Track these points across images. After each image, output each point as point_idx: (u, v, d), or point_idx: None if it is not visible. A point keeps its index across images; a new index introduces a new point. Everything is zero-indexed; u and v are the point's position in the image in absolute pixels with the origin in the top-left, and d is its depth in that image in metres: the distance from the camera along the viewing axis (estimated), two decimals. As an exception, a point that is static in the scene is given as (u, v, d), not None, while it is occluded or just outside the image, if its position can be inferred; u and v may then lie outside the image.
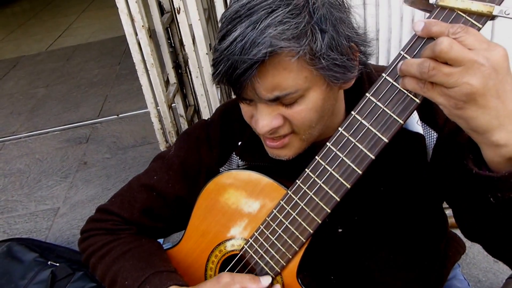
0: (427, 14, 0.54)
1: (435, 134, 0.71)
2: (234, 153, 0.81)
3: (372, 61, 0.72)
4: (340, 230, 0.76)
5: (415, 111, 0.71)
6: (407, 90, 0.55)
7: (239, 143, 0.80)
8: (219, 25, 0.64)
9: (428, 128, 0.72)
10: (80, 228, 0.87)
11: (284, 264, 0.69)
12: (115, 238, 0.81)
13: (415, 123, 0.71)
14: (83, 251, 0.84)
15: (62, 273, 1.57)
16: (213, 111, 0.87)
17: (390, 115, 0.57)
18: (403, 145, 0.69)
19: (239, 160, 0.80)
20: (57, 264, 1.61)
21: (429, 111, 0.71)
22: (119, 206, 0.84)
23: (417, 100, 0.55)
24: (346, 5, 0.64)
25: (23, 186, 2.47)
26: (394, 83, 0.56)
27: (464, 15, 0.51)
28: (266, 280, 0.70)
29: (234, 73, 0.59)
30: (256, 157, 0.77)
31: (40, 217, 2.18)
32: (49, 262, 1.63)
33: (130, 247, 0.79)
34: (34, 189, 2.43)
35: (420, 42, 0.53)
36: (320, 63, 0.60)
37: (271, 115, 0.64)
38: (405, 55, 0.55)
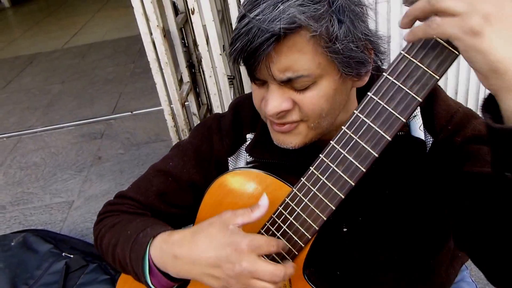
0: None
1: (431, 139, 0.72)
2: (243, 149, 0.82)
3: (384, 65, 0.73)
4: (345, 230, 0.76)
5: (420, 117, 0.73)
6: (408, 88, 0.56)
7: (248, 135, 0.82)
8: (240, 8, 0.65)
9: (427, 133, 0.72)
10: (94, 221, 0.89)
11: (291, 260, 0.70)
12: (128, 215, 0.82)
13: (418, 129, 0.72)
14: (96, 230, 0.84)
15: (76, 265, 1.61)
16: (228, 105, 0.90)
17: (392, 113, 0.58)
18: (407, 149, 0.70)
19: (248, 156, 0.82)
20: (71, 256, 1.65)
21: (430, 118, 0.72)
22: (136, 191, 0.85)
23: (418, 98, 0.56)
24: (363, 3, 0.65)
25: (38, 179, 2.53)
26: (395, 81, 0.57)
27: None
28: (263, 199, 0.65)
29: (250, 46, 0.60)
30: (265, 154, 0.78)
31: (55, 210, 2.24)
32: (63, 253, 1.67)
33: (140, 217, 0.80)
34: (49, 182, 2.49)
35: (420, 41, 0.54)
36: (335, 48, 0.61)
37: (282, 98, 0.65)
38: (405, 54, 0.56)
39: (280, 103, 0.65)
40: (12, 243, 1.72)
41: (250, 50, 0.61)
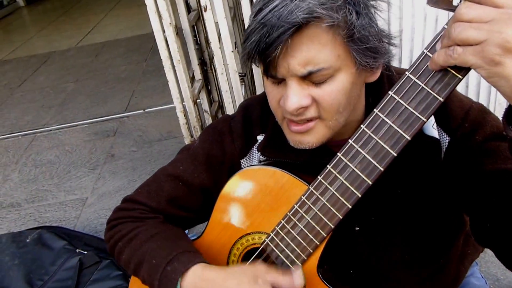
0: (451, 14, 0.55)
1: (447, 137, 0.71)
2: (255, 148, 0.82)
3: (395, 60, 0.73)
4: (357, 229, 0.76)
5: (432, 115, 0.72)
6: (430, 88, 0.56)
7: (258, 137, 0.82)
8: (254, 2, 0.65)
9: (442, 132, 0.72)
10: (107, 217, 0.88)
11: (305, 258, 0.71)
12: (143, 224, 0.83)
13: (431, 127, 0.71)
14: (110, 238, 0.85)
15: (89, 261, 1.63)
16: (237, 107, 0.89)
17: (413, 113, 0.58)
18: (420, 148, 0.69)
19: (260, 156, 0.82)
20: (85, 252, 1.66)
21: (444, 115, 0.71)
22: (146, 196, 0.85)
23: (440, 98, 0.55)
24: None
25: (53, 176, 2.56)
26: (417, 81, 0.57)
27: None
28: (299, 278, 0.68)
29: (268, 38, 0.59)
30: (277, 153, 0.78)
31: (69, 207, 2.26)
32: (77, 250, 1.69)
33: (158, 231, 0.81)
34: (63, 179, 2.51)
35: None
36: (353, 36, 0.61)
37: (302, 94, 0.64)
38: (428, 53, 0.55)
39: (300, 99, 0.65)
40: (28, 240, 1.75)
41: (268, 42, 0.60)
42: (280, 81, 0.67)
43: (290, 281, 0.67)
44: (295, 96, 0.64)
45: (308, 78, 0.64)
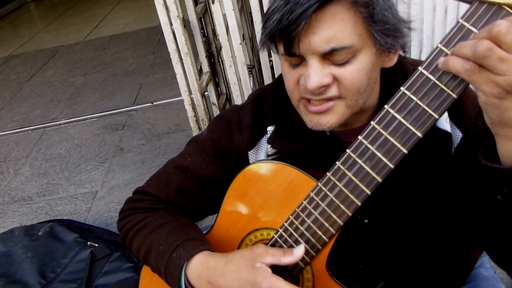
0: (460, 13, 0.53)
1: (460, 134, 0.70)
2: (264, 140, 0.82)
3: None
4: (366, 221, 0.76)
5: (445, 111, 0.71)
6: (444, 84, 0.54)
7: (268, 128, 0.81)
8: None
9: (455, 127, 0.71)
10: (117, 210, 0.91)
11: (314, 254, 0.70)
12: (152, 214, 0.85)
13: (444, 121, 0.70)
14: (121, 228, 0.87)
15: (101, 253, 1.65)
16: (247, 98, 0.89)
17: (425, 109, 0.56)
18: (432, 141, 0.68)
19: (269, 148, 0.81)
20: (96, 245, 1.69)
21: (458, 111, 0.70)
22: (156, 188, 0.87)
23: (454, 95, 0.54)
24: None
25: (63, 170, 2.59)
26: (430, 76, 0.55)
27: (506, 7, 0.49)
28: (299, 250, 0.68)
29: (291, 15, 0.60)
30: (288, 144, 0.77)
31: (79, 200, 2.29)
32: (88, 242, 1.71)
33: (167, 220, 0.82)
34: (73, 173, 2.54)
35: (458, 34, 0.53)
36: (374, 14, 0.61)
37: (323, 72, 0.64)
38: (442, 48, 0.54)
39: (322, 77, 0.64)
40: (40, 233, 1.77)
41: (291, 19, 0.60)
42: (299, 63, 0.67)
43: (290, 256, 0.67)
44: (316, 75, 0.64)
45: (330, 57, 0.63)
